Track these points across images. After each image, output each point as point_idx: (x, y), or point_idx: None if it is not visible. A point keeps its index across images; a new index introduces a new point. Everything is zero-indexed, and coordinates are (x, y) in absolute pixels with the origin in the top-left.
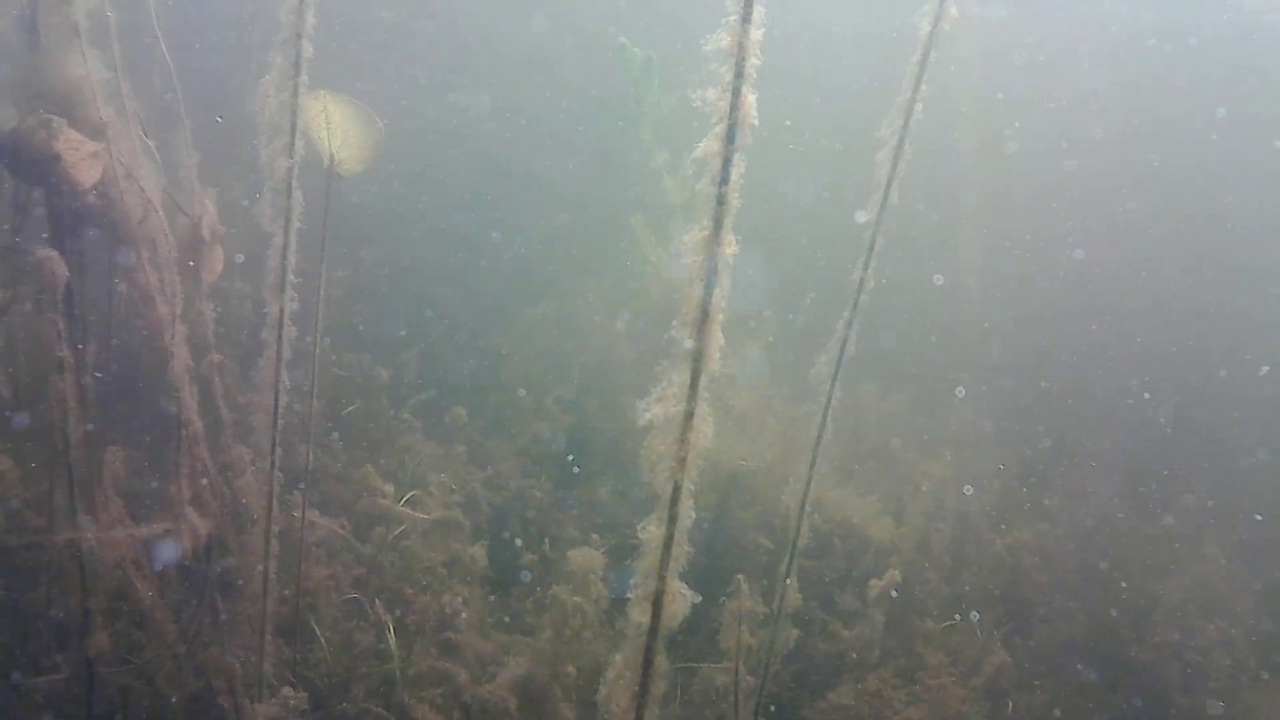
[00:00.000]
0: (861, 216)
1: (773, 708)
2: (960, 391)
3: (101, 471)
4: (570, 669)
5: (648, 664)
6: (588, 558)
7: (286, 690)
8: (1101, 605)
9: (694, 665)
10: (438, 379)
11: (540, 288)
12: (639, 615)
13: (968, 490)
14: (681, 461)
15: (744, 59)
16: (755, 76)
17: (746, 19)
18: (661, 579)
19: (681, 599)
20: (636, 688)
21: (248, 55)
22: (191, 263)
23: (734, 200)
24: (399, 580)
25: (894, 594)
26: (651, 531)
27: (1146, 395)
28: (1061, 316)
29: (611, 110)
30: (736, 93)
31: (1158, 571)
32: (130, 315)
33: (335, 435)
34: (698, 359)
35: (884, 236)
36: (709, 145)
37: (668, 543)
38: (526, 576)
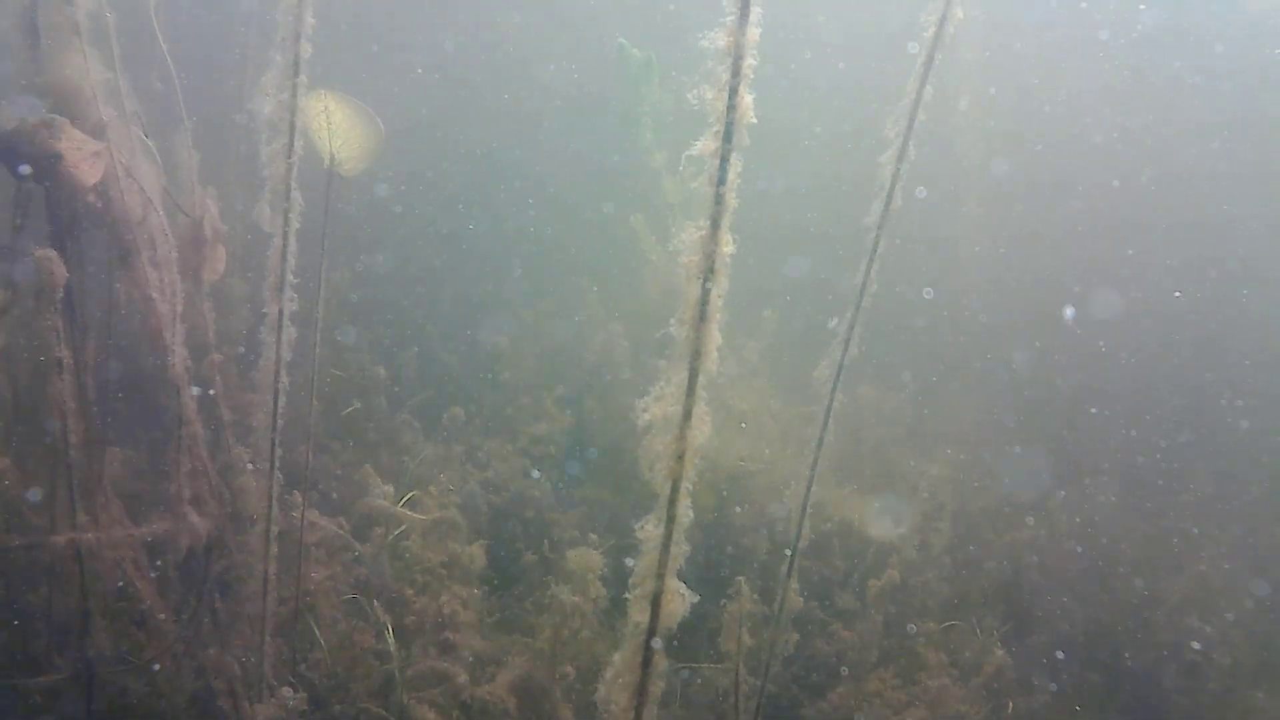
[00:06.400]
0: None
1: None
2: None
3: (101, 471)
4: (569, 669)
5: (646, 663)
6: (586, 558)
7: (286, 690)
8: (1101, 605)
9: (693, 666)
10: (436, 379)
11: (539, 287)
12: (638, 615)
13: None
14: (680, 460)
15: (740, 58)
16: (752, 76)
17: (744, 18)
18: (660, 578)
19: (680, 598)
20: (635, 687)
21: (247, 54)
22: (193, 262)
23: (731, 199)
24: (398, 580)
25: (899, 594)
26: (650, 531)
27: (1148, 395)
28: (1060, 316)
29: (610, 110)
30: (733, 92)
31: (1158, 571)
32: (130, 315)
33: (334, 436)
34: (696, 358)
35: (887, 238)
36: (706, 145)
37: (666, 542)
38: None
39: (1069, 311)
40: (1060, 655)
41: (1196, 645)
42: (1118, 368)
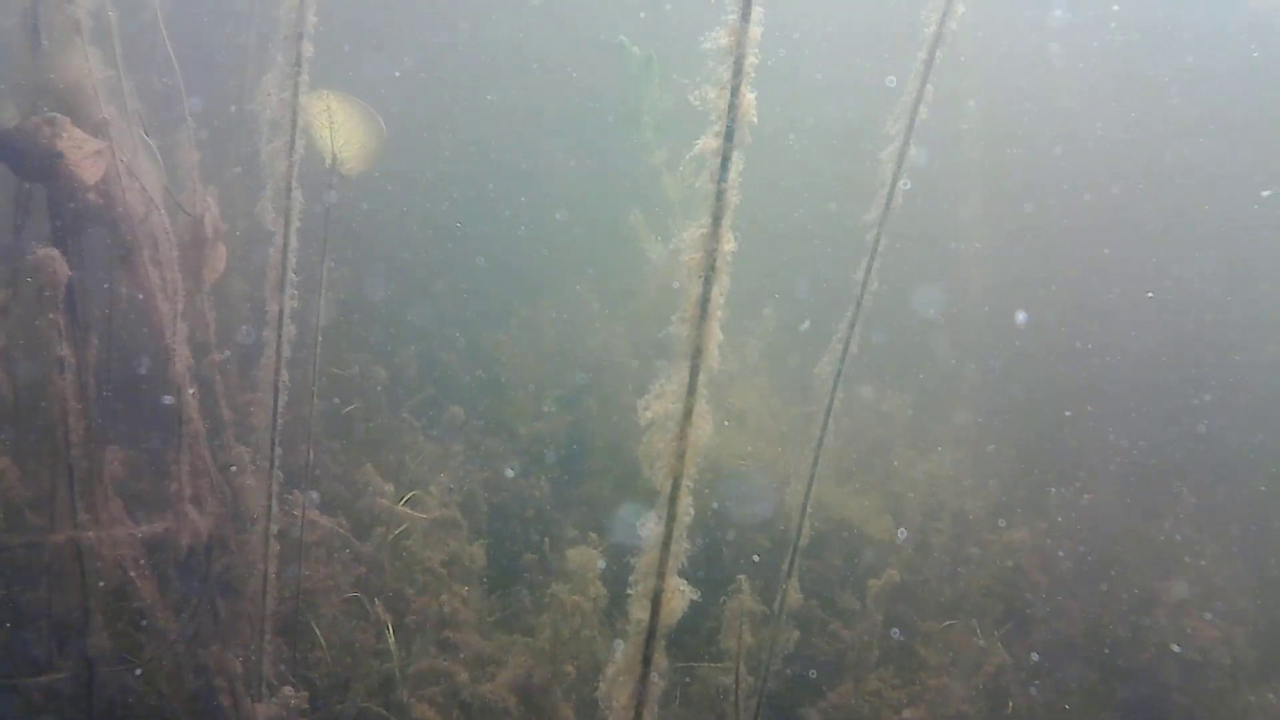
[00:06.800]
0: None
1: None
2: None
3: (101, 471)
4: (569, 668)
5: (647, 662)
6: (586, 556)
7: (287, 689)
8: (1101, 605)
9: (694, 665)
10: (436, 378)
11: (538, 286)
12: (638, 613)
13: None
14: (680, 458)
15: (743, 56)
16: (754, 74)
17: (745, 16)
18: (661, 576)
19: (681, 596)
20: (636, 686)
21: (249, 53)
22: (193, 261)
23: (733, 197)
24: (399, 580)
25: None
26: (650, 529)
27: (1148, 396)
28: (1059, 315)
29: (610, 108)
30: (735, 90)
31: (1155, 571)
32: (131, 314)
33: (335, 435)
34: (696, 356)
35: (887, 236)
36: (707, 143)
37: (667, 540)
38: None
39: (1021, 316)
40: (1059, 654)
41: (1177, 648)
42: (1114, 367)
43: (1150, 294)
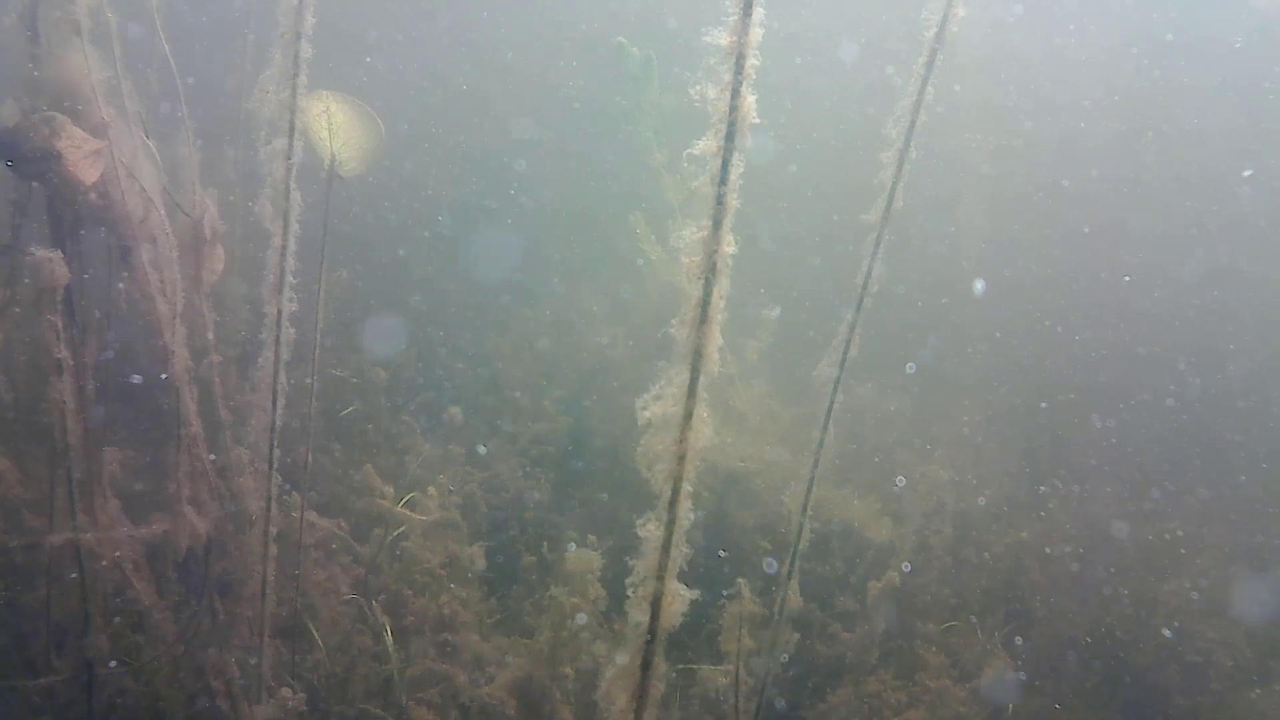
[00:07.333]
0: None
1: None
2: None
3: (100, 471)
4: (568, 670)
5: (646, 665)
6: (585, 558)
7: (285, 691)
8: (1101, 606)
9: (694, 666)
10: (436, 380)
11: (537, 288)
12: (638, 616)
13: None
14: (680, 461)
15: (743, 57)
16: (755, 76)
17: (746, 17)
18: (660, 579)
19: (680, 599)
20: (635, 688)
21: (248, 54)
22: (192, 262)
23: (733, 200)
24: (397, 581)
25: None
26: (649, 531)
27: (1145, 396)
28: (1061, 318)
29: (609, 109)
30: (736, 92)
31: (1158, 572)
32: (130, 315)
33: (334, 437)
34: (696, 358)
35: (888, 238)
36: (708, 144)
37: (666, 543)
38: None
39: (979, 285)
40: (1059, 655)
41: (1167, 632)
42: (1114, 368)
43: (1128, 278)
